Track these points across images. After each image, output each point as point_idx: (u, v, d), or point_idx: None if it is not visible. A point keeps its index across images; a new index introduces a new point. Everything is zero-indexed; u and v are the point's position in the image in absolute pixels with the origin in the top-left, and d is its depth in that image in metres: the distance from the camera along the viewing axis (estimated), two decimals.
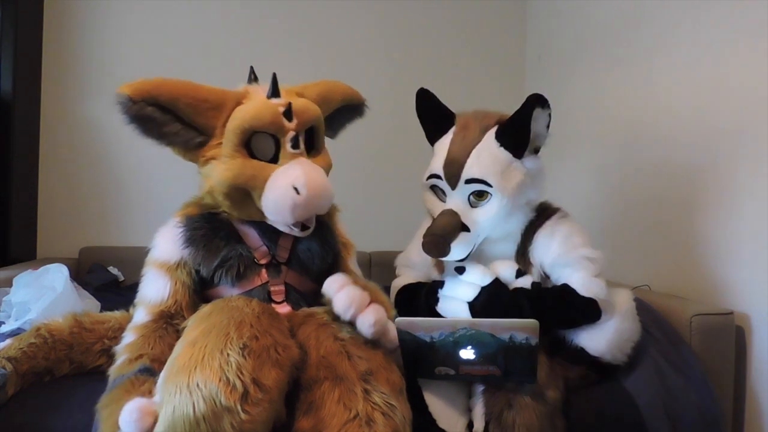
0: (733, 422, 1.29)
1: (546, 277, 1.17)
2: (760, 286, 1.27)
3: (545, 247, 1.14)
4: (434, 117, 1.23)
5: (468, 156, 1.11)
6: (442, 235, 1.07)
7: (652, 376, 1.15)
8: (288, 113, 1.04)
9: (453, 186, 1.13)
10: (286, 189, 0.99)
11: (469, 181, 1.10)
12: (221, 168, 1.02)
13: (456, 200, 1.13)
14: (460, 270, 1.10)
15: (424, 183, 1.19)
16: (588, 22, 1.98)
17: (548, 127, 1.14)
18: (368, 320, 0.94)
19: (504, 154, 1.11)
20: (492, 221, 1.11)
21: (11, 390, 0.95)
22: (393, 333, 0.97)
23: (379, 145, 2.34)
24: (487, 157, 1.10)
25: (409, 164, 2.31)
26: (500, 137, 1.11)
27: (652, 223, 1.62)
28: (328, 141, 1.22)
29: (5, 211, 1.94)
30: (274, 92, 1.06)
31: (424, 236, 1.09)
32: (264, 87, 1.08)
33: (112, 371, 0.95)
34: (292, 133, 1.05)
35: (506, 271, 1.11)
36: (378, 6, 2.35)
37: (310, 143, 1.11)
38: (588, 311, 1.08)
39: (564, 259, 1.12)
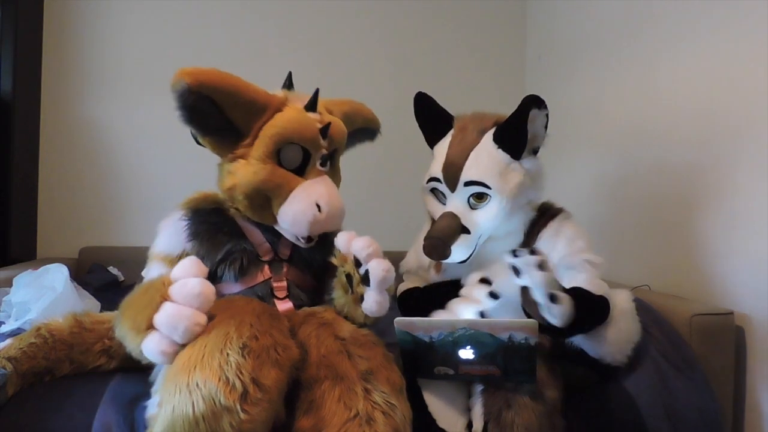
0: (733, 422, 1.29)
1: None
2: (760, 286, 1.27)
3: (550, 247, 1.13)
4: (432, 121, 1.24)
5: (466, 158, 1.11)
6: (441, 237, 1.08)
7: (652, 376, 1.15)
8: (324, 132, 1.07)
9: (452, 189, 1.13)
10: (309, 205, 1.02)
11: (468, 184, 1.10)
12: (250, 170, 1.03)
13: (456, 202, 1.13)
14: (495, 296, 1.05)
15: (425, 186, 1.20)
16: (588, 22, 1.98)
17: (546, 127, 1.14)
18: (384, 265, 0.97)
19: (502, 156, 1.11)
20: (492, 222, 1.11)
21: (11, 390, 0.95)
22: (391, 292, 1.01)
23: (380, 146, 2.33)
24: (485, 158, 1.11)
25: (410, 164, 2.31)
26: (498, 139, 1.12)
27: (652, 223, 1.62)
28: None
29: (5, 211, 1.94)
30: (312, 106, 1.09)
31: (425, 239, 1.09)
32: (301, 96, 1.10)
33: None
34: (324, 152, 1.09)
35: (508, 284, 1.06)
36: (378, 6, 2.35)
37: (330, 160, 1.14)
38: (604, 310, 1.07)
39: (568, 261, 1.12)
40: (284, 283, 1.09)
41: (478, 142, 1.12)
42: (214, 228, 1.06)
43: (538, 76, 2.36)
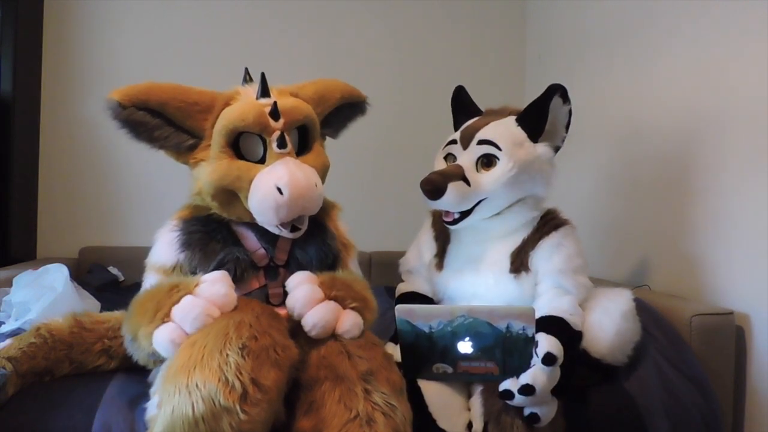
0: (733, 422, 1.29)
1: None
2: (760, 286, 1.27)
3: (547, 256, 1.14)
4: (464, 110, 1.32)
5: (485, 125, 1.18)
6: (441, 173, 1.12)
7: (652, 376, 1.15)
8: (274, 112, 1.02)
9: (465, 146, 1.17)
10: (269, 189, 0.96)
11: (481, 142, 1.14)
12: (208, 170, 1.02)
13: (465, 159, 1.16)
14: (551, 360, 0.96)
15: (439, 154, 1.25)
16: (588, 22, 1.98)
17: (567, 127, 1.19)
18: (309, 322, 0.94)
19: (520, 132, 1.16)
20: (493, 186, 1.11)
21: (11, 390, 0.95)
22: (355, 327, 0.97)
23: (380, 145, 2.34)
24: (503, 128, 1.16)
25: (409, 164, 2.31)
26: (519, 120, 1.18)
27: (652, 223, 1.62)
28: (329, 140, 1.22)
29: (5, 211, 1.94)
30: (264, 92, 1.05)
31: (425, 177, 1.12)
32: (255, 88, 1.07)
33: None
34: (277, 133, 1.02)
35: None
36: (378, 6, 2.35)
37: (303, 143, 1.10)
38: (573, 350, 1.05)
39: (561, 277, 1.13)
40: (280, 290, 1.05)
41: (500, 119, 1.19)
42: (207, 236, 1.04)
43: (538, 75, 2.36)
